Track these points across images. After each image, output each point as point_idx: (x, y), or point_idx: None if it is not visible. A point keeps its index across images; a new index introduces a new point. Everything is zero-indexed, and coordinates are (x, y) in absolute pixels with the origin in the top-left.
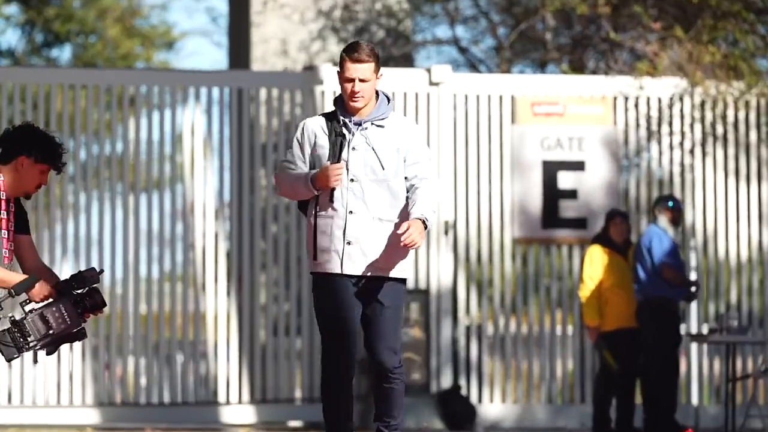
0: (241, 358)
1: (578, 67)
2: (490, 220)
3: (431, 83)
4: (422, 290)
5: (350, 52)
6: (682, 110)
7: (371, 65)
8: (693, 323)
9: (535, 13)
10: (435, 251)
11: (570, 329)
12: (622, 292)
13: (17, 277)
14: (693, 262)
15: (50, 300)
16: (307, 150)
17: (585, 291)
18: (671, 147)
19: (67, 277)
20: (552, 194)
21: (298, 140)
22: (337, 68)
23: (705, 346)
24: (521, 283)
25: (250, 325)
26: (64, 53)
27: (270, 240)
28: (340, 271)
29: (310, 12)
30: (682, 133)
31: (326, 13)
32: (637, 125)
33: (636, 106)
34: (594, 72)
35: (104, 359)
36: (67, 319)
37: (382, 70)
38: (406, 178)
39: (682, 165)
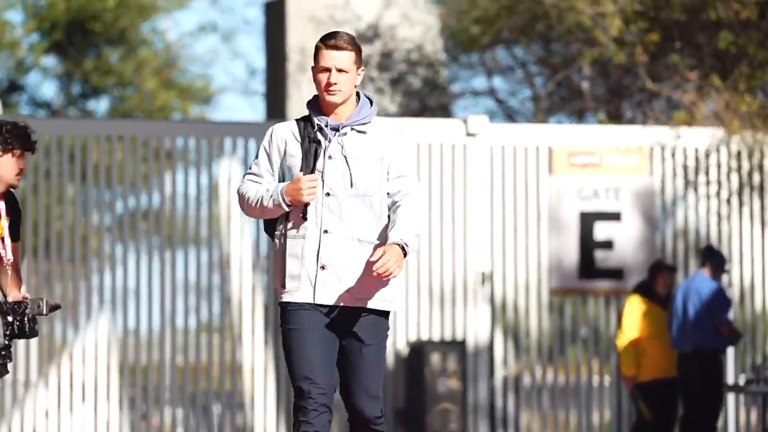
0: (278, 408)
1: (615, 117)
2: (526, 270)
3: (468, 134)
4: (459, 341)
5: (326, 40)
6: (718, 160)
7: (351, 54)
8: (730, 374)
9: (571, 63)
10: (471, 302)
11: (607, 380)
12: (659, 343)
13: None
14: (730, 313)
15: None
16: (276, 159)
17: (623, 340)
18: (708, 197)
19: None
20: (588, 245)
21: (265, 149)
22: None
23: (742, 397)
24: (558, 333)
25: (286, 376)
26: (101, 105)
27: None
28: (312, 301)
29: None
30: (719, 183)
31: (363, 63)
32: (674, 175)
33: (673, 155)
34: (631, 122)
35: (141, 410)
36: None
37: (420, 121)
38: (388, 193)
39: (718, 215)
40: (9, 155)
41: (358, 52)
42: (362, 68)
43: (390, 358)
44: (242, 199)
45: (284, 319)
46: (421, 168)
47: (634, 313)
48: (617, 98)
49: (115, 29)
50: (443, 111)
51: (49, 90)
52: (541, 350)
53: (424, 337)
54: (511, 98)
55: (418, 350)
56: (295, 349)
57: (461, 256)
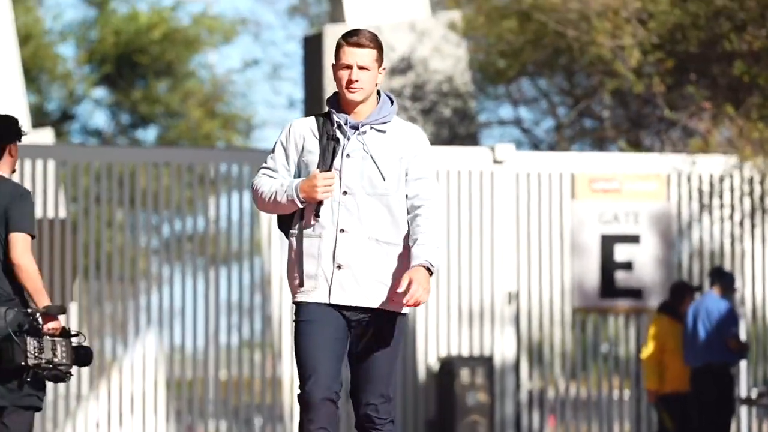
0: None
1: (634, 145)
2: (550, 290)
3: (495, 161)
4: (487, 357)
5: (348, 36)
6: (732, 185)
7: (372, 52)
8: (743, 387)
9: (593, 94)
10: (499, 320)
11: (626, 393)
12: (680, 359)
13: (46, 296)
14: (742, 329)
15: (59, 334)
16: (293, 156)
17: (647, 356)
18: (722, 219)
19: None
20: (609, 266)
21: (282, 144)
22: (333, 61)
23: (754, 410)
24: (580, 350)
25: None
26: (149, 134)
27: None
28: (327, 301)
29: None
30: (732, 207)
31: (397, 93)
32: (690, 199)
33: (689, 181)
34: (649, 149)
35: (187, 422)
36: (66, 359)
37: (450, 149)
38: (406, 195)
39: (732, 237)
40: (9, 149)
41: (380, 50)
42: (383, 67)
43: (421, 373)
44: (256, 192)
45: (298, 317)
46: (451, 193)
47: (658, 331)
48: (636, 127)
49: (162, 62)
50: (472, 139)
51: (99, 119)
52: (564, 365)
53: (454, 353)
54: (535, 127)
55: (449, 365)
56: (303, 342)
57: (489, 276)
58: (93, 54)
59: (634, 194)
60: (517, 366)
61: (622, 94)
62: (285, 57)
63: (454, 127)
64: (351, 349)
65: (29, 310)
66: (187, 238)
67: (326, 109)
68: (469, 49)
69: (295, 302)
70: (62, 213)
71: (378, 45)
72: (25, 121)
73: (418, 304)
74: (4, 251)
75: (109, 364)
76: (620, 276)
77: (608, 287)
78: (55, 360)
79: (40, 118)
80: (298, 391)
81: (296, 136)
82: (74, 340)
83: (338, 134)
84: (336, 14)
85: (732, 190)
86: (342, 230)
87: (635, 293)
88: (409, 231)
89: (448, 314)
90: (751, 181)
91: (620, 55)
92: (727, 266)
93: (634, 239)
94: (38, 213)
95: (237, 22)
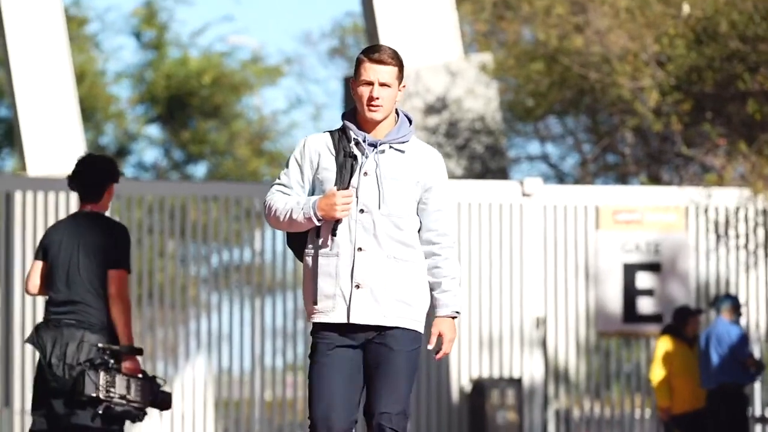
0: None
1: (654, 179)
2: (576, 315)
3: (524, 194)
4: (516, 379)
5: (370, 52)
6: (746, 216)
7: (394, 69)
8: (757, 406)
9: (615, 132)
10: (527, 344)
11: (647, 412)
12: (688, 379)
13: (131, 335)
14: (757, 352)
15: (137, 373)
16: (308, 173)
17: (656, 376)
18: (737, 249)
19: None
20: (631, 293)
21: (296, 160)
22: (353, 76)
23: None
24: (604, 371)
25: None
26: (199, 169)
27: None
28: (346, 321)
29: (418, 128)
30: (747, 237)
31: (432, 130)
32: (707, 230)
33: (705, 213)
34: (668, 183)
35: None
36: (140, 398)
37: (482, 183)
38: (423, 224)
39: (747, 265)
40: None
41: (401, 67)
42: (404, 84)
43: (455, 394)
44: (269, 209)
45: (313, 350)
46: (482, 225)
47: (664, 353)
48: (656, 162)
49: (211, 104)
50: (502, 174)
51: (152, 155)
52: (589, 387)
53: (485, 375)
54: (562, 162)
55: (480, 387)
56: (315, 388)
57: (518, 303)
58: (146, 95)
59: (654, 225)
60: (544, 387)
61: (643, 131)
62: (327, 96)
63: (486, 162)
64: (368, 366)
65: (102, 346)
66: (234, 268)
67: (342, 124)
68: (500, 90)
69: (314, 323)
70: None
71: (400, 62)
72: None
73: (445, 355)
74: (103, 285)
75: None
76: (642, 302)
77: (630, 313)
78: (128, 397)
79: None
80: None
81: (311, 153)
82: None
83: (356, 151)
84: None
85: (746, 221)
86: (360, 249)
87: (656, 318)
88: (420, 248)
89: (479, 338)
90: (764, 212)
91: (640, 96)
92: (741, 292)
93: (654, 267)
94: None
95: (282, 63)
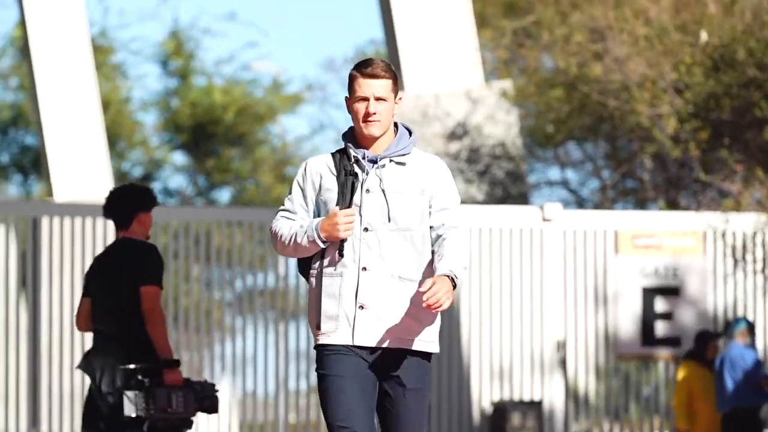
0: None
1: (673, 204)
2: (595, 338)
3: (544, 219)
4: (537, 401)
5: (362, 67)
6: (763, 241)
7: (388, 82)
8: None
9: (634, 158)
10: (548, 366)
11: None
12: (709, 403)
13: (169, 348)
14: (766, 369)
15: (179, 384)
16: (311, 195)
17: (677, 400)
18: (754, 273)
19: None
20: (649, 316)
21: (299, 183)
22: (346, 94)
23: None
24: (623, 393)
25: None
26: (223, 195)
27: None
28: (351, 343)
29: (439, 154)
30: (764, 261)
31: (454, 156)
32: (724, 255)
33: (723, 237)
34: (686, 208)
35: None
36: (183, 408)
37: (503, 208)
38: (431, 227)
39: (764, 289)
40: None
41: (395, 79)
42: (399, 97)
43: (476, 416)
44: (275, 237)
45: (320, 364)
46: (503, 249)
47: (685, 377)
48: (674, 188)
49: (235, 133)
50: (523, 199)
51: (177, 182)
52: (608, 409)
53: (506, 397)
54: (581, 188)
55: (501, 409)
56: (331, 396)
57: (539, 326)
58: (171, 122)
59: (672, 250)
60: (564, 409)
61: (661, 158)
62: (349, 122)
63: (507, 187)
64: (381, 398)
65: (132, 367)
66: (258, 292)
67: (343, 144)
68: (520, 116)
69: (316, 346)
70: None
71: (393, 75)
72: (108, 183)
73: (438, 307)
74: (136, 305)
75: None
76: (660, 326)
77: (649, 336)
78: (170, 410)
79: (122, 180)
80: None
81: (313, 175)
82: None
83: (356, 169)
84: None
85: (763, 245)
86: (364, 268)
87: (674, 342)
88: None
89: (500, 361)
90: None
91: (658, 123)
92: (759, 316)
93: (673, 291)
94: None
95: (304, 89)
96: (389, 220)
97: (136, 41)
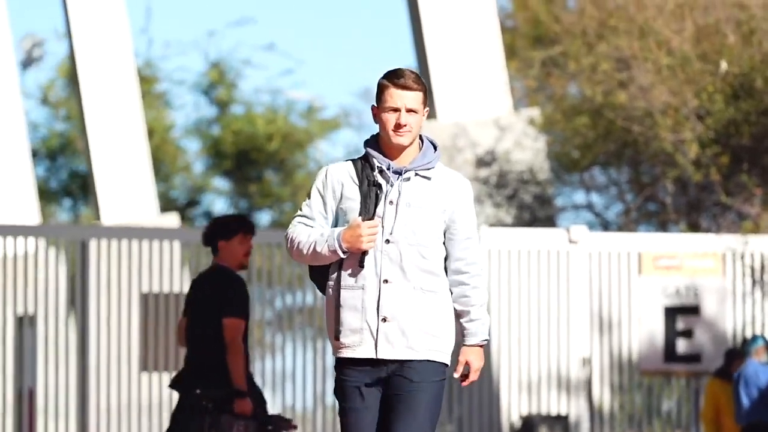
0: None
1: (693, 227)
2: (619, 355)
3: (570, 241)
4: (563, 416)
5: (394, 78)
6: None
7: (420, 95)
8: None
9: (656, 182)
10: (574, 382)
11: None
12: (733, 416)
13: (243, 380)
14: None
15: (246, 414)
16: (331, 203)
17: (705, 415)
18: None
19: (268, 413)
20: (671, 334)
21: (318, 190)
22: (374, 103)
23: None
24: (645, 408)
25: None
26: (263, 217)
27: None
28: (374, 356)
29: (470, 180)
30: None
31: (483, 181)
32: (743, 276)
33: (742, 259)
34: (707, 230)
35: None
36: None
37: (530, 230)
38: (451, 253)
39: None
40: (239, 239)
41: (425, 92)
42: (427, 109)
43: (505, 428)
44: (292, 243)
45: (342, 376)
46: (531, 270)
47: (711, 392)
48: (695, 211)
49: (276, 160)
50: (549, 222)
51: (219, 206)
52: (632, 423)
53: (534, 411)
54: (606, 211)
55: (529, 423)
56: (357, 411)
57: (565, 344)
58: (213, 149)
59: (693, 271)
60: (590, 423)
61: (683, 182)
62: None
63: (534, 210)
64: (388, 398)
65: (200, 393)
66: (297, 310)
67: (364, 152)
68: (548, 142)
69: (339, 359)
70: (187, 288)
71: (424, 87)
72: (153, 207)
73: (471, 383)
74: (218, 334)
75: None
76: (681, 343)
77: (671, 353)
78: None
79: (167, 204)
80: None
81: (334, 183)
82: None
83: (380, 180)
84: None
85: None
86: (386, 281)
87: (694, 358)
88: (446, 277)
89: (528, 377)
90: None
91: (681, 148)
92: None
93: (693, 310)
94: (165, 288)
95: (340, 115)
96: (410, 235)
97: (180, 71)
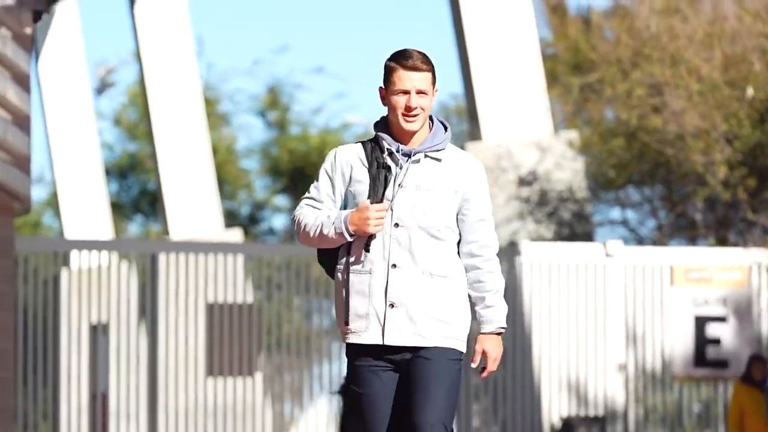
0: None
1: (722, 241)
2: (653, 361)
3: (607, 255)
4: (600, 417)
5: (402, 59)
6: None
7: (428, 75)
8: None
9: (688, 200)
10: (610, 386)
11: None
12: (757, 418)
13: None
14: None
15: None
16: (339, 186)
17: (731, 418)
18: None
19: None
20: (701, 341)
21: (327, 172)
22: (381, 84)
23: None
24: (677, 410)
25: None
26: None
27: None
28: (381, 342)
29: (513, 198)
30: None
31: (525, 199)
32: None
33: (767, 271)
34: (734, 245)
35: None
36: None
37: (569, 245)
38: (463, 236)
39: None
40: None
41: (434, 71)
42: (437, 89)
43: (546, 429)
44: (298, 225)
45: (354, 374)
46: (570, 283)
47: (736, 396)
48: (723, 227)
49: None
50: (587, 237)
51: (280, 221)
52: (665, 423)
53: (573, 413)
54: (640, 227)
55: (568, 424)
56: (368, 417)
57: (602, 350)
58: (271, 168)
59: (721, 282)
60: (624, 423)
61: (712, 200)
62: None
63: (573, 227)
64: (405, 382)
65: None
66: None
67: (374, 135)
68: (585, 163)
69: (347, 344)
70: (249, 299)
71: (432, 66)
72: (218, 222)
73: (490, 374)
74: None
75: (287, 424)
76: (710, 350)
77: (700, 359)
78: None
79: (231, 220)
80: None
81: (343, 165)
82: None
83: (389, 162)
84: (474, 133)
85: None
86: (394, 265)
87: (722, 364)
88: (460, 263)
89: (568, 381)
90: None
91: (710, 169)
92: None
93: (721, 320)
94: (229, 298)
95: None
96: (420, 217)
97: (239, 93)
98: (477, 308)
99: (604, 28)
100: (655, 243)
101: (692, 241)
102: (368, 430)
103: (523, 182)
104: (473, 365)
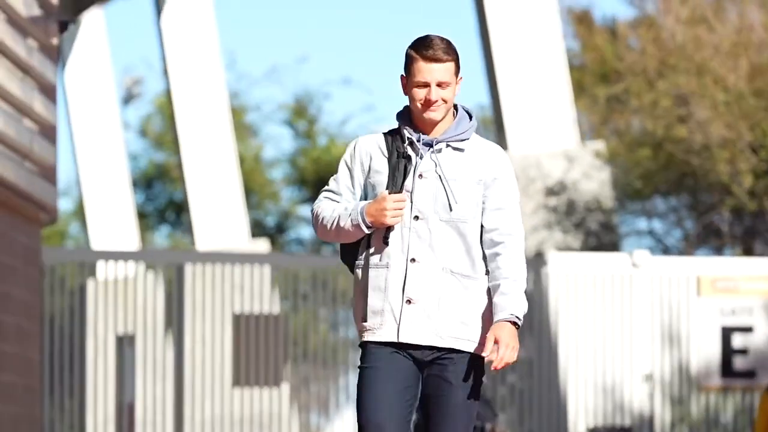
0: None
1: (748, 251)
2: (679, 371)
3: (633, 265)
4: (627, 428)
5: (422, 49)
6: None
7: (450, 65)
8: None
9: (714, 210)
10: (637, 396)
11: None
12: None
13: None
14: None
15: None
16: (359, 177)
17: (758, 424)
18: None
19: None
20: (728, 351)
21: (346, 163)
22: (402, 72)
23: None
24: (704, 420)
25: None
26: None
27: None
28: (396, 339)
29: (540, 208)
30: None
31: (552, 209)
32: None
33: None
34: (761, 255)
35: None
36: None
37: (596, 255)
38: (483, 226)
39: None
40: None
41: (457, 59)
42: (461, 77)
43: None
44: (316, 219)
45: (363, 358)
46: (596, 293)
47: (764, 406)
48: (750, 237)
49: None
50: (614, 247)
51: (307, 232)
52: None
53: (600, 422)
54: (666, 237)
55: None
56: (366, 389)
57: (629, 361)
58: (297, 178)
59: (748, 292)
60: None
61: (738, 210)
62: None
63: (600, 237)
64: (425, 398)
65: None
66: None
67: (397, 124)
68: (612, 173)
69: (361, 343)
70: (276, 309)
71: (455, 54)
72: (245, 233)
73: (506, 366)
74: None
75: None
76: (737, 360)
77: (727, 369)
78: None
79: (258, 230)
80: None
81: (362, 155)
82: None
83: (410, 152)
84: (501, 143)
85: None
86: (413, 260)
87: (749, 374)
88: (486, 264)
89: (594, 390)
90: None
91: (736, 179)
92: None
93: (748, 329)
94: (256, 309)
95: None
96: (442, 209)
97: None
98: (493, 297)
99: (630, 39)
100: (681, 253)
101: (718, 250)
102: (366, 402)
103: (550, 192)
104: (484, 354)
